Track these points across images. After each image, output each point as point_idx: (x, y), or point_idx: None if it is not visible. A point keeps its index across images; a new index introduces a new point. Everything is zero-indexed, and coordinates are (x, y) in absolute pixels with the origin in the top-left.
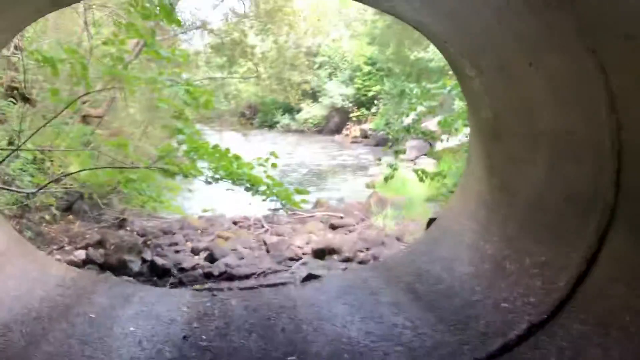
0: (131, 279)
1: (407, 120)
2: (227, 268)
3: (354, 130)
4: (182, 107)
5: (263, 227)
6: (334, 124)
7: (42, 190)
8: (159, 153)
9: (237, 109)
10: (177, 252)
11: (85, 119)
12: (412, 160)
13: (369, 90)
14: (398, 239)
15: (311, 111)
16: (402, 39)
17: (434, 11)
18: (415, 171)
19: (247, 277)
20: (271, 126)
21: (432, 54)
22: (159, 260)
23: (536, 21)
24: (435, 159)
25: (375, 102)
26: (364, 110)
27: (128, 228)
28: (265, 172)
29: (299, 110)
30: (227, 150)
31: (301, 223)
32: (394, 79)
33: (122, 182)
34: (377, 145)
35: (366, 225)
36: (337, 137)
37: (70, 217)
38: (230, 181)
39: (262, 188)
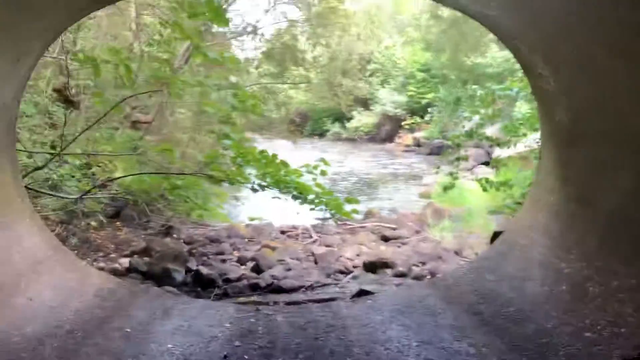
0: (174, 289)
1: (469, 125)
2: (273, 280)
3: (406, 138)
4: (229, 111)
5: (311, 237)
6: (385, 132)
7: (87, 196)
8: (204, 159)
9: (287, 117)
10: (223, 261)
11: (134, 124)
12: (469, 170)
13: (423, 98)
14: (457, 253)
15: (362, 119)
16: (458, 45)
17: (501, 2)
18: (479, 180)
19: (294, 290)
20: (321, 134)
21: (490, 59)
22: (204, 270)
23: (623, 7)
24: (494, 168)
25: (429, 109)
26: (416, 118)
27: (175, 235)
28: (314, 179)
29: (349, 118)
30: (275, 156)
31: (351, 234)
32: (449, 85)
33: (168, 189)
34: (430, 154)
35: (421, 238)
36: (388, 146)
37: (118, 223)
38: (277, 189)
39: (311, 197)
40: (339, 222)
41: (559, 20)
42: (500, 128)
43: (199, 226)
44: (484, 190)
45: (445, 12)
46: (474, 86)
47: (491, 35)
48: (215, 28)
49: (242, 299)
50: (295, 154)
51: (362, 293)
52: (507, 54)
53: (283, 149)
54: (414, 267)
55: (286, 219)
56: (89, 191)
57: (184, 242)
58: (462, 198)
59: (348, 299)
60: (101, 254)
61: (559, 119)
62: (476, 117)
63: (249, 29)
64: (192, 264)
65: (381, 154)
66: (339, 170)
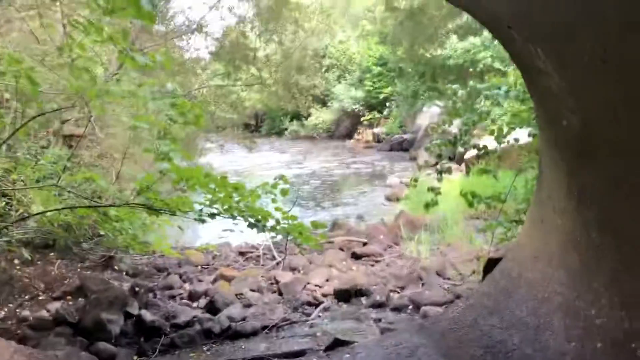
0: (109, 347)
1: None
2: (230, 322)
3: (366, 134)
4: (165, 125)
5: (274, 258)
6: (344, 129)
7: None
8: (138, 186)
9: (242, 119)
10: (171, 297)
11: (68, 139)
12: (432, 165)
13: (380, 92)
14: (438, 273)
15: (320, 116)
16: (415, 37)
17: None
18: (464, 195)
19: (255, 334)
20: (279, 133)
21: (450, 51)
22: (147, 316)
23: None
24: (461, 165)
25: (387, 104)
26: (375, 114)
27: (116, 267)
28: (274, 200)
29: (307, 116)
30: (224, 179)
31: (319, 253)
32: (406, 79)
33: (100, 221)
34: (391, 149)
35: (395, 254)
36: (348, 143)
37: (52, 254)
38: (230, 217)
39: (271, 223)
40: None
41: (572, 5)
42: (488, 132)
43: (146, 254)
44: (470, 205)
45: (402, 3)
46: (453, 85)
47: (450, 26)
48: (156, 27)
49: (192, 355)
50: (252, 158)
51: (337, 344)
52: (467, 44)
53: (238, 154)
54: (392, 294)
55: (245, 237)
56: None
57: (127, 274)
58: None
59: (321, 353)
60: (27, 296)
61: (567, 123)
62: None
63: (194, 26)
64: (134, 308)
65: (342, 152)
66: (299, 172)
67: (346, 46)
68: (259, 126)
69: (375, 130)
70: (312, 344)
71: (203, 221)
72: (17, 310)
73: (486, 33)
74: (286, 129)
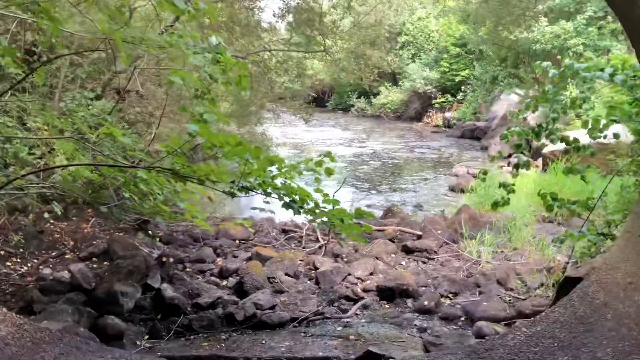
0: (117, 322)
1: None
2: (256, 309)
3: (436, 118)
4: (202, 84)
5: (317, 240)
6: (413, 111)
7: (6, 190)
8: (163, 148)
9: (306, 90)
10: (200, 273)
11: (121, 93)
12: (504, 158)
13: (456, 75)
14: (500, 282)
15: (389, 95)
16: (501, 17)
17: None
18: (542, 196)
19: (281, 325)
20: (345, 109)
21: (538, 34)
22: (168, 292)
23: None
24: (537, 160)
25: (462, 88)
26: (448, 97)
27: (150, 232)
28: (317, 179)
29: (376, 94)
30: (259, 149)
31: (367, 240)
32: (486, 63)
33: (125, 182)
34: (461, 136)
35: (452, 253)
36: (416, 125)
37: (89, 211)
38: (263, 193)
39: (309, 204)
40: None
41: None
42: (581, 124)
43: (184, 220)
44: (549, 209)
45: None
46: (544, 63)
47: (541, 7)
48: None
49: (205, 344)
50: (314, 132)
51: (370, 356)
52: (557, 29)
53: (300, 127)
54: (442, 299)
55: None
56: (10, 181)
57: (161, 241)
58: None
59: None
60: (54, 253)
61: None
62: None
63: None
64: (155, 280)
65: (408, 134)
66: (360, 151)
67: (424, 23)
68: (326, 100)
69: (447, 114)
70: (341, 350)
71: (233, 195)
72: (40, 267)
73: (580, 18)
74: (353, 106)
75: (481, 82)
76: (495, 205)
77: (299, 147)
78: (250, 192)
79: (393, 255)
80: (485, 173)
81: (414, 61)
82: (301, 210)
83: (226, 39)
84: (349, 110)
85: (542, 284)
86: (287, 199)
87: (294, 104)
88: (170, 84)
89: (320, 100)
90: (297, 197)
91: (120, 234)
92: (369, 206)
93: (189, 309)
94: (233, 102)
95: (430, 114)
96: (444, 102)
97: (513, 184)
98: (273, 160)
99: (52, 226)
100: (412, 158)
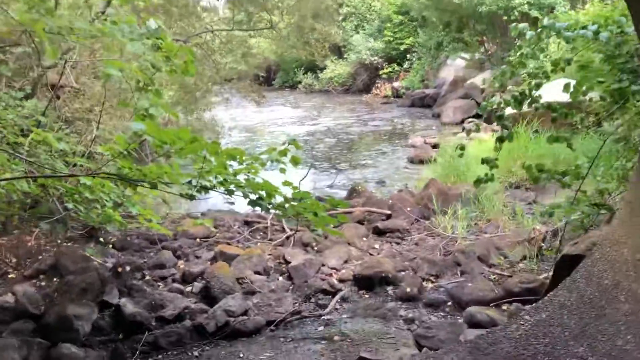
0: (74, 350)
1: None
2: (228, 318)
3: (385, 88)
4: (144, 73)
5: (284, 230)
6: (361, 83)
7: None
8: (105, 151)
9: (252, 70)
10: (161, 279)
11: (54, 89)
12: (457, 124)
13: (401, 44)
14: (481, 259)
15: (336, 69)
16: None
17: None
18: (527, 168)
19: (258, 331)
20: (293, 86)
21: None
22: (128, 307)
23: None
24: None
25: (408, 56)
26: (394, 66)
27: (101, 239)
28: (282, 170)
29: (322, 68)
30: (216, 144)
31: (335, 226)
32: (430, 29)
33: (69, 193)
34: (412, 105)
35: (425, 231)
36: (366, 97)
37: (32, 222)
38: (225, 192)
39: (278, 199)
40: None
41: None
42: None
43: (138, 222)
44: (535, 181)
45: None
46: (520, 25)
47: None
48: None
49: None
50: (264, 113)
51: None
52: None
53: (249, 109)
54: (425, 284)
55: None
56: None
57: (114, 248)
58: (467, 169)
59: None
60: None
61: None
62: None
63: None
64: (112, 296)
65: (359, 107)
66: (313, 129)
67: None
68: (272, 79)
69: (395, 84)
70: (328, 357)
71: (192, 197)
72: None
73: None
74: (300, 82)
75: (426, 49)
76: (478, 182)
77: (251, 130)
78: (210, 191)
79: (365, 239)
80: (462, 148)
81: (357, 32)
82: (269, 207)
83: (165, 23)
84: (297, 87)
85: (524, 257)
86: (253, 196)
87: (243, 84)
88: (106, 77)
89: (267, 79)
90: (263, 193)
91: (69, 244)
92: (330, 186)
93: (153, 323)
94: (177, 89)
95: (379, 85)
96: (391, 72)
97: (496, 159)
98: (233, 155)
99: None
100: (366, 132)
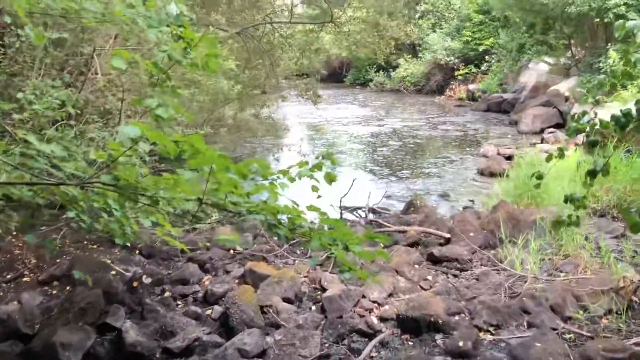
0: None
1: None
2: (241, 359)
3: (459, 90)
4: (160, 67)
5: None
6: (435, 83)
7: None
8: (98, 158)
9: (319, 67)
10: (182, 297)
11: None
12: (535, 133)
13: (480, 44)
14: (554, 310)
15: (409, 68)
16: None
17: None
18: (624, 210)
19: None
20: (364, 84)
21: None
22: (130, 335)
23: None
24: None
25: (487, 58)
26: (471, 68)
27: (128, 244)
28: (314, 188)
29: (395, 67)
30: (225, 159)
31: (385, 246)
32: (512, 30)
33: (71, 200)
34: (487, 110)
35: (489, 263)
36: (438, 99)
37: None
38: (235, 215)
39: (303, 226)
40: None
41: None
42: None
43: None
44: (635, 230)
45: None
46: (630, 22)
47: None
48: None
49: None
50: (330, 110)
51: None
52: None
53: (311, 105)
54: (482, 335)
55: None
56: None
57: (141, 254)
58: (545, 187)
59: None
60: (9, 275)
61: None
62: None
63: None
64: (117, 318)
65: (430, 109)
66: (378, 130)
67: None
68: (344, 75)
69: (471, 86)
70: None
71: (197, 220)
72: None
73: None
74: (371, 80)
75: (507, 51)
76: (558, 225)
77: (313, 128)
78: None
79: (417, 267)
80: (540, 177)
81: (434, 31)
82: (291, 235)
83: (226, 13)
84: (367, 85)
85: (609, 311)
86: (271, 221)
87: (298, 83)
88: (116, 69)
89: (338, 76)
90: (283, 218)
91: (93, 246)
92: (388, 197)
93: (157, 356)
94: (234, 83)
95: (453, 87)
96: (467, 73)
97: (584, 197)
98: (242, 172)
99: (14, 239)
100: (435, 136)
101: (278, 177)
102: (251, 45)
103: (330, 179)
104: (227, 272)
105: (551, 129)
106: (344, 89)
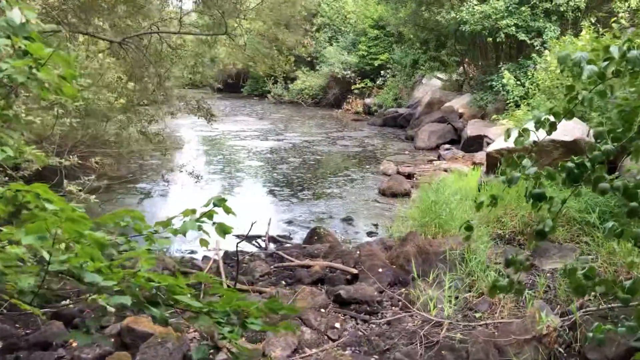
0: None
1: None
2: None
3: (356, 104)
4: None
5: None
6: (333, 97)
7: None
8: None
9: (219, 77)
10: None
11: None
12: (433, 149)
13: (375, 59)
14: None
15: (307, 80)
16: None
17: None
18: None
19: None
20: (261, 95)
21: (467, 14)
22: None
23: None
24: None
25: (382, 72)
26: (367, 82)
27: None
28: (203, 242)
29: (293, 79)
30: (82, 222)
31: (288, 283)
32: (406, 46)
33: None
34: (384, 124)
35: (402, 306)
36: (336, 112)
37: None
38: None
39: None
40: (272, 255)
41: None
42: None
43: None
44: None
45: None
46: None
47: None
48: None
49: None
50: (227, 124)
51: None
52: (487, 9)
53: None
54: None
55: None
56: None
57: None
58: (450, 212)
59: None
60: None
61: None
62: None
63: None
64: None
65: (328, 123)
66: (277, 145)
67: (341, 4)
68: (241, 86)
69: (367, 100)
70: None
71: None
72: None
73: None
74: (269, 92)
75: (401, 66)
76: (496, 290)
77: (209, 142)
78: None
79: (323, 312)
80: (469, 228)
81: (331, 44)
82: (164, 319)
83: (108, 19)
84: (265, 97)
85: None
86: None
87: (190, 99)
88: None
89: (234, 86)
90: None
91: None
92: (289, 222)
93: None
94: (117, 96)
95: (350, 100)
96: (364, 87)
97: (529, 259)
98: (102, 243)
99: None
100: (334, 152)
101: (156, 231)
102: (136, 56)
103: (224, 231)
104: (102, 327)
105: (447, 145)
106: (241, 100)
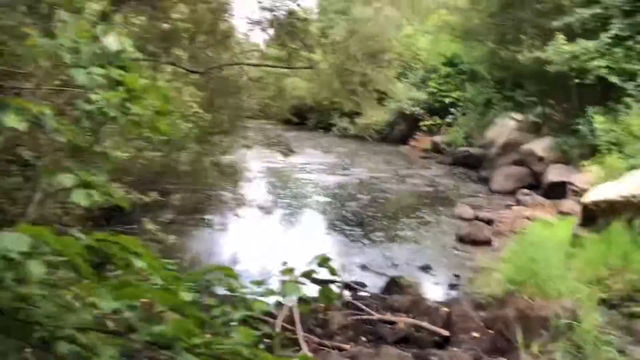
0: None
1: None
2: None
3: (424, 141)
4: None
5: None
6: (399, 133)
7: None
8: None
9: (284, 111)
10: None
11: None
12: (510, 193)
13: (445, 97)
14: None
15: (374, 115)
16: (505, 33)
17: None
18: None
19: None
20: (326, 128)
21: (553, 54)
22: None
23: None
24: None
25: (452, 110)
26: (437, 119)
27: None
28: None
29: (359, 113)
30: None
31: (369, 339)
32: (480, 85)
33: None
34: (453, 164)
35: None
36: (403, 148)
37: None
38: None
39: None
40: (342, 301)
41: None
42: None
43: None
44: None
45: None
46: None
47: (556, 23)
48: None
49: None
50: (293, 156)
51: None
52: (577, 49)
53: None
54: None
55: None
56: None
57: None
58: (546, 269)
59: None
60: None
61: None
62: None
63: None
64: None
65: (395, 159)
66: (344, 180)
67: (412, 41)
68: (307, 118)
69: (436, 138)
70: None
71: None
72: None
73: (604, 36)
74: (334, 125)
75: (474, 105)
76: None
77: (276, 174)
78: None
79: None
80: None
81: (400, 80)
82: None
83: (188, 49)
84: (330, 130)
85: None
86: None
87: (269, 134)
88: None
89: (300, 117)
90: None
91: None
92: (362, 267)
93: None
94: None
95: (418, 137)
96: (433, 124)
97: None
98: (202, 320)
99: None
100: (404, 191)
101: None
102: (217, 87)
103: (328, 296)
104: None
105: (525, 190)
106: (307, 132)
